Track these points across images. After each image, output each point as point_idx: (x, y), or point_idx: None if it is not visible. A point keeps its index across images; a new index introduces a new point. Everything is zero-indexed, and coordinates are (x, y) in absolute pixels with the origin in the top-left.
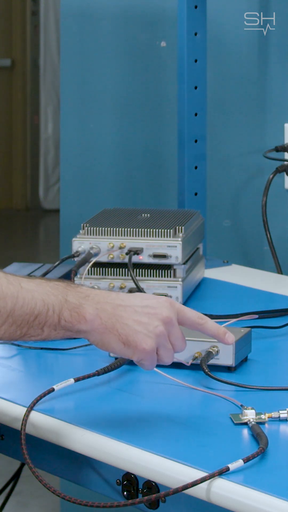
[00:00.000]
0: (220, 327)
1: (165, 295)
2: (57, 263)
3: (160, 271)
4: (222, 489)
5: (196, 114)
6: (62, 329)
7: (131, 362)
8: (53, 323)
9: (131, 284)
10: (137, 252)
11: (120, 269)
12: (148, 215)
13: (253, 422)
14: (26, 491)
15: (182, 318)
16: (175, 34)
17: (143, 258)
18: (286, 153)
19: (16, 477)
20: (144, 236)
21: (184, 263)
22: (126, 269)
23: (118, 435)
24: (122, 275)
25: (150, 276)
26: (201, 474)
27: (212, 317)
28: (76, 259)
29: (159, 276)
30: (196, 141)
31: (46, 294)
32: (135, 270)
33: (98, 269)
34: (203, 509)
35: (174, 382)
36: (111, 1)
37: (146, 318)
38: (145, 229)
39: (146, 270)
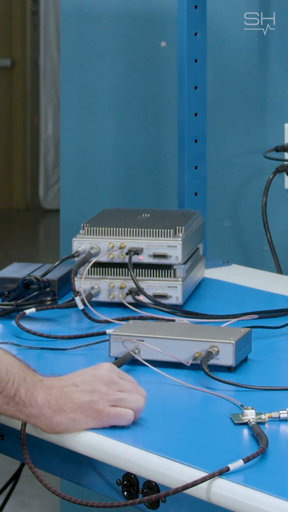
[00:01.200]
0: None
1: (165, 295)
2: (57, 263)
3: (160, 271)
4: (222, 489)
5: (196, 114)
6: (14, 406)
7: (131, 362)
8: (8, 395)
9: (131, 284)
10: (137, 252)
11: (120, 269)
12: (148, 215)
13: (253, 422)
14: (26, 491)
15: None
16: (175, 34)
17: (143, 258)
18: (286, 153)
19: (16, 477)
20: (144, 236)
21: (184, 263)
22: (126, 269)
23: (118, 435)
24: (122, 275)
25: (150, 276)
26: (201, 474)
27: (212, 317)
28: (76, 259)
29: (159, 276)
30: (196, 141)
31: (12, 365)
32: (135, 270)
33: (98, 269)
34: (203, 509)
35: (174, 382)
36: (111, 1)
37: (88, 386)
38: (145, 229)
39: (146, 270)
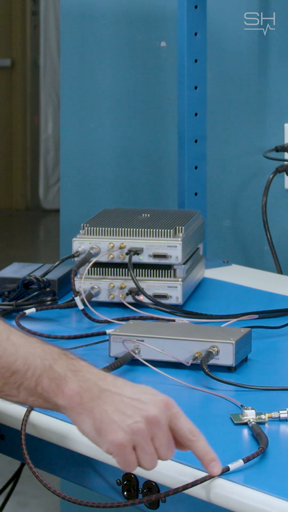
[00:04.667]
0: (211, 452)
1: (165, 295)
2: (57, 263)
3: (160, 271)
4: (222, 489)
5: (196, 114)
6: (39, 398)
7: (131, 362)
8: (29, 386)
9: (131, 284)
10: (137, 252)
11: (120, 269)
12: (148, 215)
13: (253, 422)
14: (26, 491)
15: (173, 426)
16: (175, 34)
17: (143, 258)
18: (286, 153)
19: (16, 477)
20: (144, 236)
21: (184, 263)
22: (126, 269)
23: None
24: (122, 275)
25: (150, 276)
26: (201, 474)
27: (212, 317)
28: (76, 259)
29: (159, 276)
30: (196, 141)
31: (33, 355)
32: (135, 270)
33: (98, 269)
34: (203, 509)
35: (174, 382)
36: (111, 1)
37: (130, 410)
38: (145, 229)
39: (146, 270)
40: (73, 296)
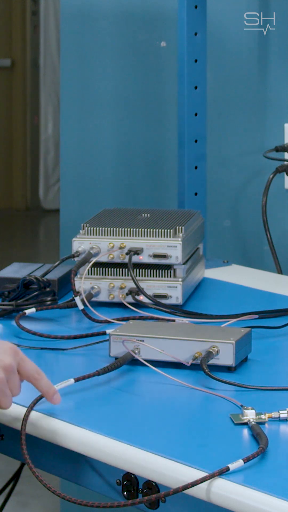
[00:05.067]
0: (52, 386)
1: (165, 295)
2: (57, 263)
3: (160, 271)
4: (222, 489)
5: (196, 114)
6: None
7: (131, 362)
8: None
9: (131, 284)
10: (137, 252)
11: (120, 269)
12: (148, 215)
13: (253, 422)
14: (26, 491)
15: (21, 368)
16: (175, 34)
17: (143, 258)
18: (286, 153)
19: (16, 477)
20: (144, 236)
21: (184, 263)
22: (126, 269)
23: (118, 435)
24: (122, 275)
25: (150, 276)
26: (201, 474)
27: (212, 317)
28: (76, 259)
29: (159, 276)
30: (196, 141)
31: None
32: (135, 270)
33: (98, 269)
34: (203, 509)
35: (174, 382)
36: (111, 1)
37: None
38: (145, 229)
39: (146, 270)
40: (73, 296)
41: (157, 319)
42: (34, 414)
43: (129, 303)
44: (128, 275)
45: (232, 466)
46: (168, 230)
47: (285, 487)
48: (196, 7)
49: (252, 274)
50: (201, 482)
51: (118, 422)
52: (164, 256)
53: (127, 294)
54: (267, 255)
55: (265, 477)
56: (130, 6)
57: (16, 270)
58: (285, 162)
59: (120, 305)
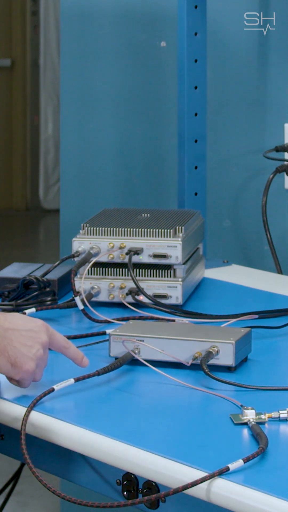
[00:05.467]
0: (79, 352)
1: (165, 295)
2: (57, 263)
3: (160, 271)
4: (222, 489)
5: (196, 114)
6: None
7: (131, 362)
8: None
9: (131, 284)
10: (137, 252)
11: (120, 269)
12: (148, 215)
13: (253, 422)
14: (26, 491)
15: (52, 342)
16: (175, 34)
17: (143, 258)
18: (286, 153)
19: (16, 477)
20: (144, 236)
21: (184, 263)
22: (126, 269)
23: (118, 435)
24: (122, 275)
25: (150, 276)
26: (201, 474)
27: (212, 317)
28: (76, 259)
29: (159, 276)
30: (196, 141)
31: None
32: (135, 270)
33: (98, 269)
34: (203, 509)
35: (174, 382)
36: (111, 1)
37: (30, 341)
38: (145, 229)
39: (146, 270)
40: (73, 296)
41: (157, 319)
42: (34, 414)
43: (129, 303)
44: (128, 275)
45: (232, 466)
46: (168, 230)
47: (285, 487)
48: (196, 7)
49: (252, 274)
50: (201, 482)
51: (118, 422)
52: (164, 256)
53: (127, 294)
54: (267, 255)
55: (265, 477)
56: (130, 6)
57: (16, 270)
58: (285, 162)
59: (120, 305)
